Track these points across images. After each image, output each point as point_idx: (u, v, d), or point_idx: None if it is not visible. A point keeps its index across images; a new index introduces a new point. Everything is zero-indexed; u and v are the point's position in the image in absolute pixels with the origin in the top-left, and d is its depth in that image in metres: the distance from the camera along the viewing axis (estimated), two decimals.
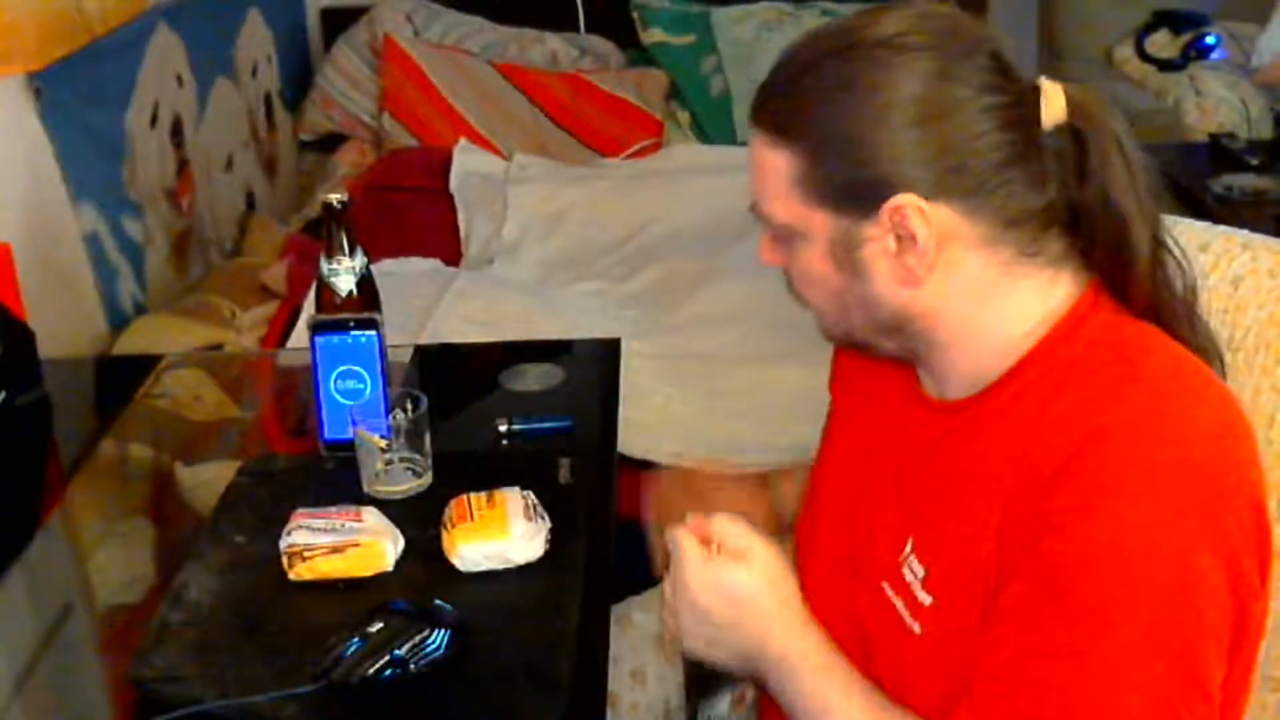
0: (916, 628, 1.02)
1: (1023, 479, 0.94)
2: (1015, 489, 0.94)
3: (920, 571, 1.02)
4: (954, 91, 0.94)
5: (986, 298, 0.99)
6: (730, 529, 1.05)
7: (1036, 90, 0.97)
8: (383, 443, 1.34)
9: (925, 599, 1.01)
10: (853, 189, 0.96)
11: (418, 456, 1.36)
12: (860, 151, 0.95)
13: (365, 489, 1.35)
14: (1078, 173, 0.97)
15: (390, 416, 1.36)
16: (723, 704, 1.40)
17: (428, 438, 1.36)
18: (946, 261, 0.97)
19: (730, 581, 1.03)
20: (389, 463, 1.36)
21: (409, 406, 1.36)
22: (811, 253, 1.01)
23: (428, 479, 1.37)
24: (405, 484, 1.36)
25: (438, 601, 1.15)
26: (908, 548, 1.04)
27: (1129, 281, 0.99)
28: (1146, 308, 1.00)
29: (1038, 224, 0.97)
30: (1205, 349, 1.02)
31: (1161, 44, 3.57)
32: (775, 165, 0.99)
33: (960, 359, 1.02)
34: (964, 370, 1.02)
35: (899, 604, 1.04)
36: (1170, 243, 1.01)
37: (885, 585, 1.05)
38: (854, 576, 1.09)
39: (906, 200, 0.95)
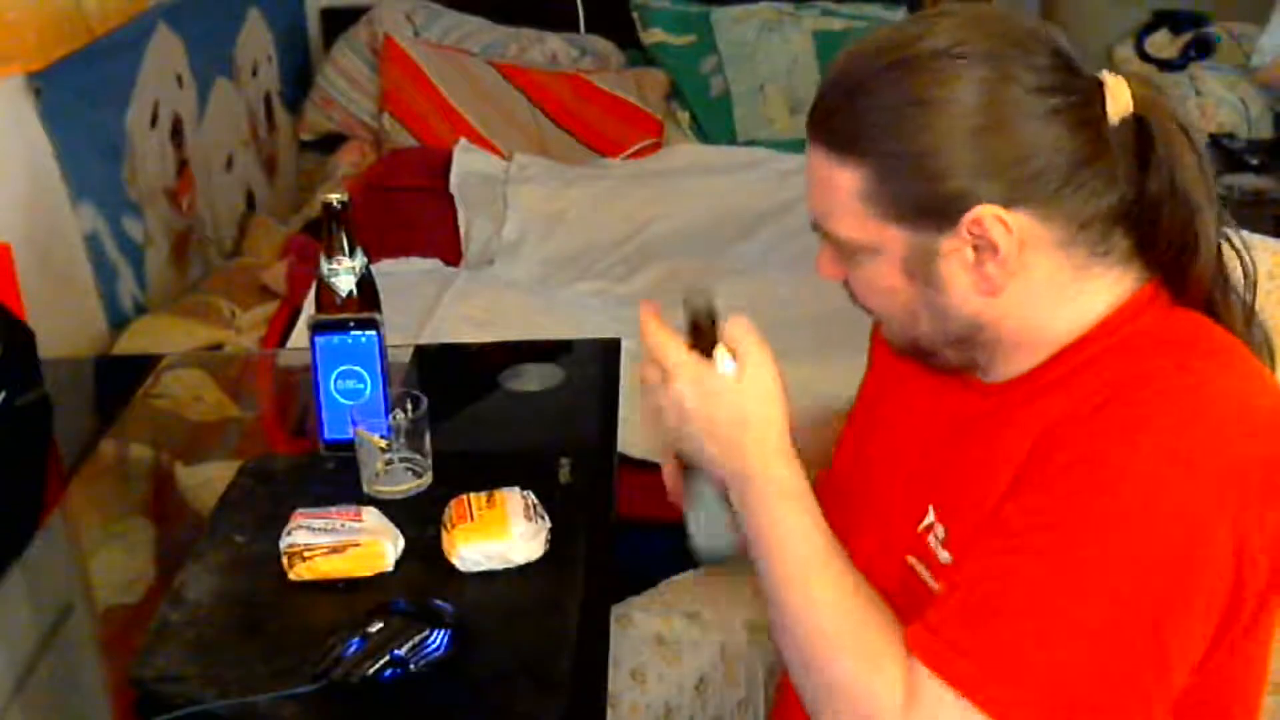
0: (937, 588, 1.01)
1: (1050, 425, 0.94)
2: (1040, 435, 0.94)
3: (941, 533, 1.02)
4: (1018, 96, 0.93)
5: (1058, 299, 0.98)
6: (735, 328, 1.05)
7: (1100, 85, 0.96)
8: (383, 443, 1.34)
9: (945, 557, 1.01)
10: (927, 204, 0.95)
11: (418, 456, 1.36)
12: (931, 166, 0.94)
13: (365, 489, 1.35)
14: (1143, 164, 0.96)
15: (390, 416, 1.36)
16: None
17: (428, 438, 1.36)
18: (1023, 266, 0.96)
19: (710, 384, 1.03)
20: (389, 463, 1.36)
21: (409, 406, 1.36)
22: (882, 266, 0.99)
23: (428, 479, 1.36)
24: (405, 484, 1.36)
25: (438, 601, 1.15)
26: (930, 516, 1.04)
27: (1190, 272, 0.98)
28: (1205, 302, 0.99)
29: (1108, 222, 0.97)
30: (1260, 347, 1.01)
31: (1161, 44, 3.56)
32: (841, 183, 0.97)
33: (1019, 358, 1.02)
34: (1016, 364, 1.02)
35: (922, 570, 1.04)
36: (1235, 238, 1.01)
37: (910, 558, 1.05)
38: (882, 549, 1.09)
39: (985, 211, 0.93)
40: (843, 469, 1.21)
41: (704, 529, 1.09)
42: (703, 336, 1.05)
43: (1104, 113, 0.95)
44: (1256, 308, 1.04)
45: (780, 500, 1.00)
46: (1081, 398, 0.94)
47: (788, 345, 1.08)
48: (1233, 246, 1.01)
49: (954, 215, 0.94)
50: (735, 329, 1.04)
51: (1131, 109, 0.96)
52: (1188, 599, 0.90)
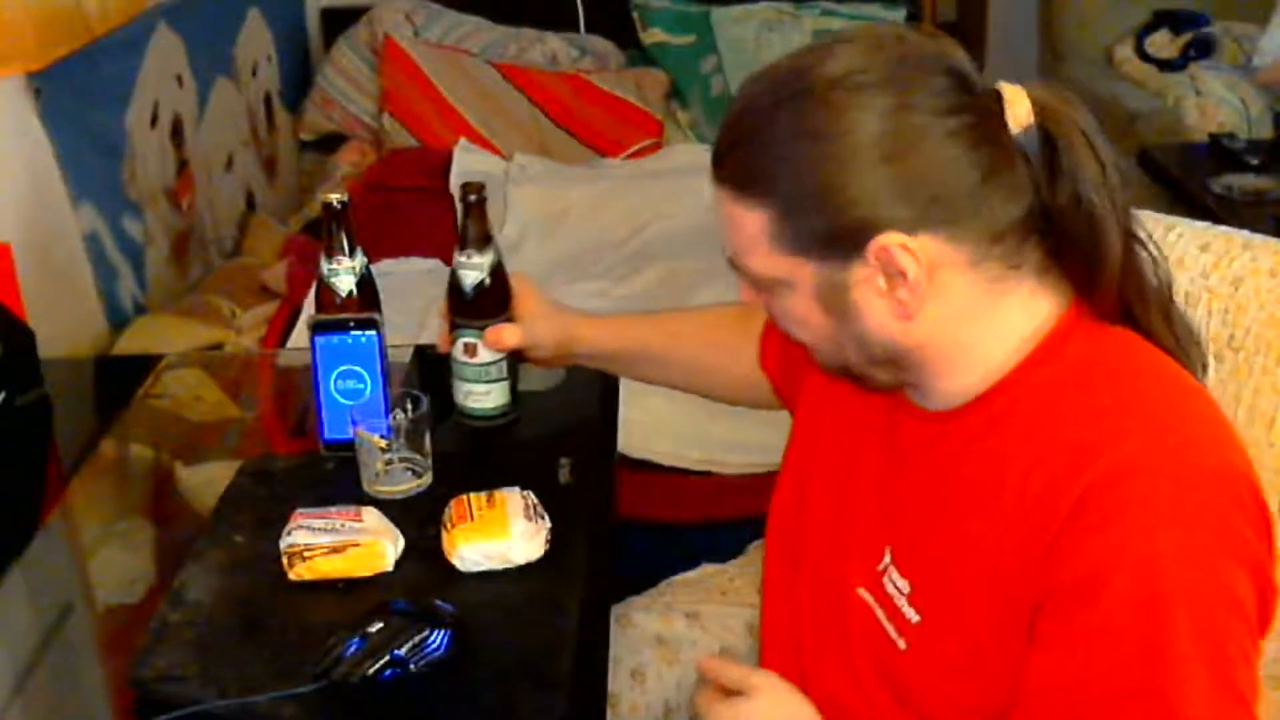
0: (902, 643, 1.01)
1: (1026, 511, 0.93)
2: (1018, 520, 0.93)
3: (905, 586, 1.01)
4: (916, 122, 0.92)
5: (977, 317, 0.98)
6: (728, 671, 1.10)
7: (999, 97, 0.95)
8: (383, 443, 1.34)
9: (912, 615, 1.00)
10: (833, 236, 0.94)
11: (418, 456, 1.36)
12: (834, 198, 0.93)
13: (365, 489, 1.35)
14: (1049, 174, 0.95)
15: (390, 416, 1.36)
16: None
17: (428, 438, 1.36)
18: (936, 288, 0.95)
19: (747, 712, 1.07)
20: (389, 463, 1.36)
21: (409, 406, 1.35)
22: (798, 299, 0.99)
23: (428, 479, 1.36)
24: (405, 484, 1.36)
25: (438, 601, 1.15)
26: (886, 558, 1.04)
27: (1100, 279, 0.97)
28: (1121, 307, 0.99)
29: (1019, 235, 0.96)
30: (1184, 343, 1.02)
31: (1161, 44, 3.57)
32: (747, 223, 0.97)
33: (950, 377, 1.01)
34: (950, 388, 1.01)
35: (880, 614, 1.04)
36: (1144, 237, 1.00)
37: (862, 591, 1.05)
38: (837, 579, 1.09)
39: (890, 240, 0.93)
40: (784, 504, 1.20)
41: None
42: None
43: (1004, 125, 0.94)
44: (1231, 308, 1.06)
45: None
46: (1034, 464, 0.93)
47: None
48: (1144, 248, 1.00)
49: (860, 245, 0.94)
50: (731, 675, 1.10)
51: (1032, 119, 0.95)
52: (1240, 655, 0.91)
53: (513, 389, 1.47)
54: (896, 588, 1.02)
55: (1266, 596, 0.93)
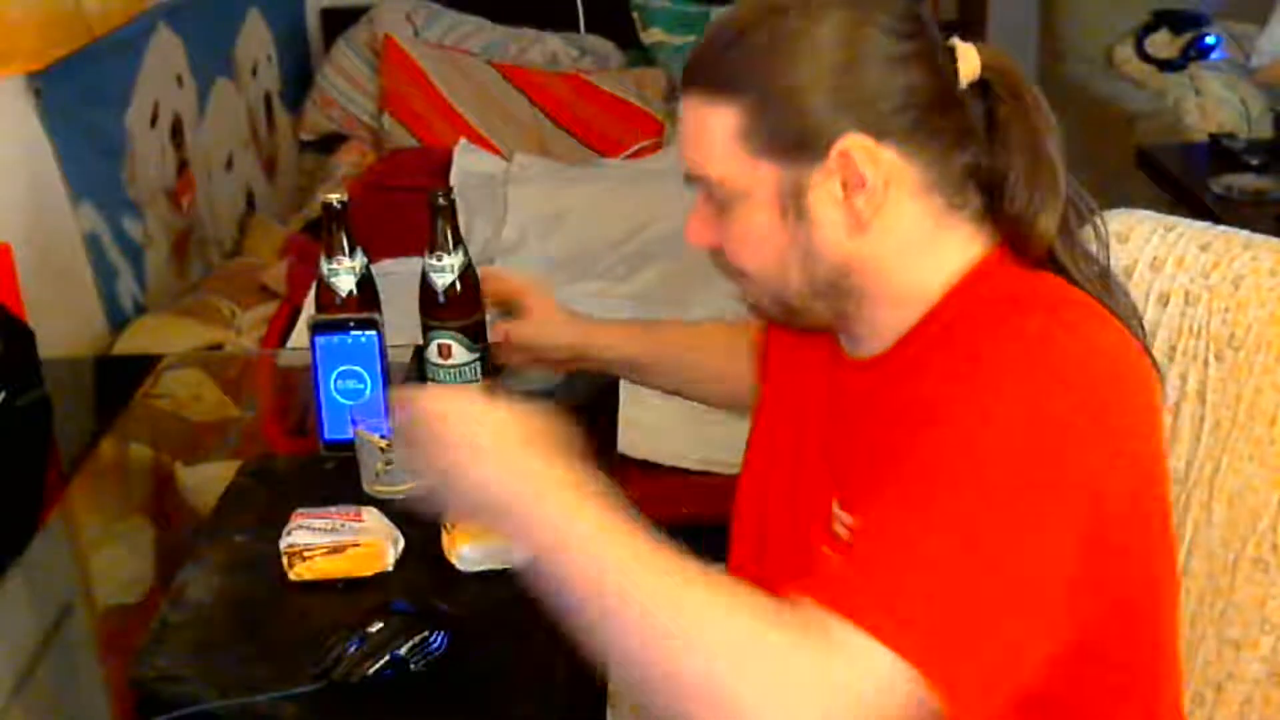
0: None
1: (921, 405, 0.95)
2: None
3: (849, 520, 1.02)
4: (877, 38, 0.98)
5: (918, 250, 1.01)
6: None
7: (952, 49, 1.00)
8: (383, 443, 1.34)
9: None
10: (799, 136, 0.98)
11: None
12: (802, 100, 0.97)
13: (365, 489, 1.35)
14: (992, 129, 1.00)
15: (390, 416, 1.36)
16: None
17: None
18: (890, 205, 0.99)
19: (474, 405, 0.99)
20: (389, 463, 1.35)
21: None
22: (754, 210, 1.01)
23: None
24: (405, 484, 1.35)
25: (437, 601, 1.15)
26: (835, 506, 1.04)
27: (1031, 237, 1.00)
28: (1051, 266, 1.01)
29: (963, 175, 1.00)
30: (1117, 305, 1.02)
31: (1161, 44, 3.57)
32: (717, 122, 1.00)
33: (881, 314, 1.03)
34: (881, 328, 1.04)
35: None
36: (1083, 205, 1.03)
37: (825, 549, 1.05)
38: (802, 543, 1.09)
39: (853, 142, 0.97)
40: (755, 468, 1.22)
41: None
42: None
43: (955, 73, 1.00)
44: (1231, 307, 1.07)
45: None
46: (934, 367, 0.96)
47: None
48: (1081, 209, 1.03)
49: (823, 147, 0.97)
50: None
51: (979, 73, 1.00)
52: (1054, 514, 0.89)
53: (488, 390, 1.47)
54: (844, 525, 1.03)
55: (1106, 522, 0.91)
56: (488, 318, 1.47)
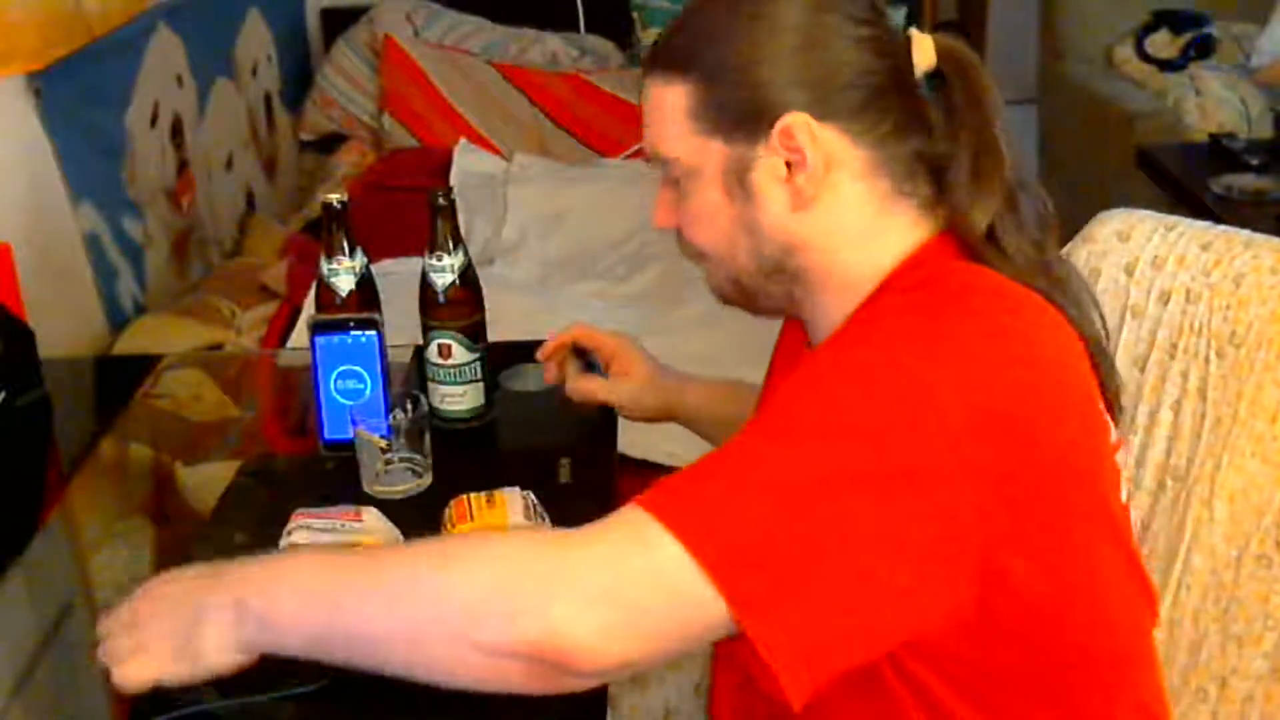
0: None
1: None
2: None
3: None
4: (832, 20, 1.00)
5: (861, 233, 1.02)
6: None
7: (908, 38, 1.02)
8: (383, 443, 1.34)
9: None
10: (744, 113, 1.00)
11: (418, 456, 1.36)
12: (749, 75, 1.00)
13: (365, 489, 1.35)
14: (947, 119, 1.01)
15: (390, 416, 1.36)
16: None
17: (428, 438, 1.36)
18: (831, 186, 1.00)
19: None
20: (389, 463, 1.35)
21: (409, 406, 1.35)
22: (705, 188, 1.04)
23: (428, 479, 1.36)
24: (405, 484, 1.35)
25: None
26: None
27: (969, 222, 1.00)
28: (990, 251, 1.00)
29: (911, 161, 1.01)
30: (1063, 294, 1.02)
31: (1161, 44, 3.57)
32: (670, 101, 1.04)
33: (828, 300, 1.04)
34: (829, 315, 1.04)
35: None
36: (1031, 189, 1.04)
37: None
38: None
39: (794, 119, 0.99)
40: None
41: None
42: None
43: (909, 62, 1.01)
44: (1232, 305, 1.08)
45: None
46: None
47: None
48: (1029, 200, 1.03)
49: (767, 124, 1.00)
50: None
51: (934, 63, 1.02)
52: (911, 484, 0.87)
53: (487, 390, 1.47)
54: None
55: (990, 504, 0.88)
56: (571, 368, 1.48)
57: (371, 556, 0.94)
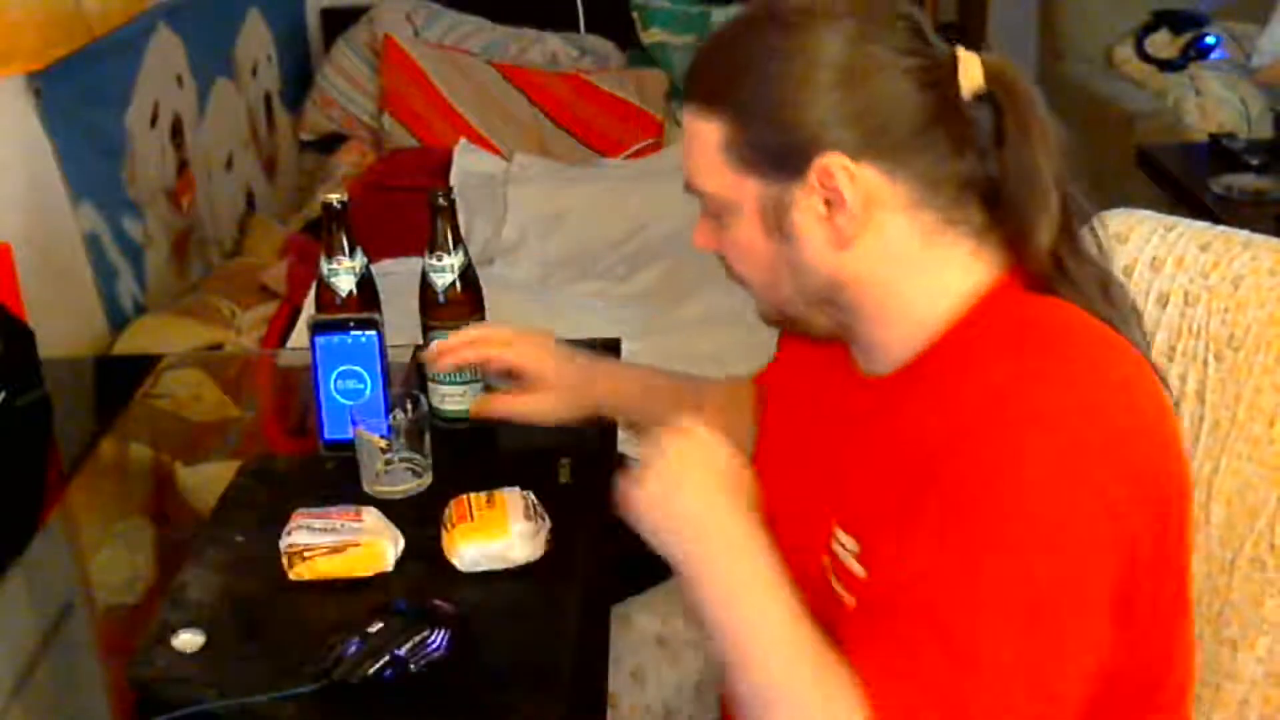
0: (850, 600, 1.01)
1: (930, 440, 0.94)
2: (924, 451, 0.95)
3: (852, 545, 1.02)
4: (873, 53, 0.96)
5: (912, 266, 1.00)
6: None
7: (954, 59, 0.99)
8: (383, 443, 1.34)
9: (859, 571, 1.01)
10: (780, 152, 0.98)
11: (418, 456, 1.36)
12: (785, 114, 0.97)
13: (365, 489, 1.35)
14: (996, 141, 0.98)
15: (390, 416, 1.36)
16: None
17: (428, 438, 1.36)
18: (872, 224, 0.98)
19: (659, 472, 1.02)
20: (389, 463, 1.36)
21: (409, 406, 1.35)
22: (743, 223, 1.02)
23: (428, 479, 1.36)
24: (405, 484, 1.36)
25: (438, 601, 1.15)
26: (834, 520, 1.04)
27: (1032, 248, 0.99)
28: (1057, 279, 1.00)
29: (959, 189, 0.99)
30: (1123, 314, 1.02)
31: (1161, 44, 3.56)
32: (705, 135, 1.01)
33: (885, 333, 1.03)
34: (889, 346, 1.03)
35: (832, 576, 1.04)
36: (1091, 215, 1.02)
37: (824, 559, 1.06)
38: (794, 548, 1.09)
39: (832, 160, 0.96)
40: (760, 469, 1.21)
41: None
42: None
43: (956, 84, 0.98)
44: (1231, 307, 1.08)
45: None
46: (951, 412, 0.94)
47: None
48: (1084, 224, 1.02)
49: (804, 164, 0.97)
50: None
51: (983, 84, 0.98)
52: (1086, 595, 0.91)
53: (486, 390, 1.47)
54: (844, 547, 1.02)
55: (1136, 571, 0.92)
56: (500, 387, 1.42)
57: (789, 654, 0.94)
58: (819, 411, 1.13)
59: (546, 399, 1.36)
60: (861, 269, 1.00)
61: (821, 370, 1.12)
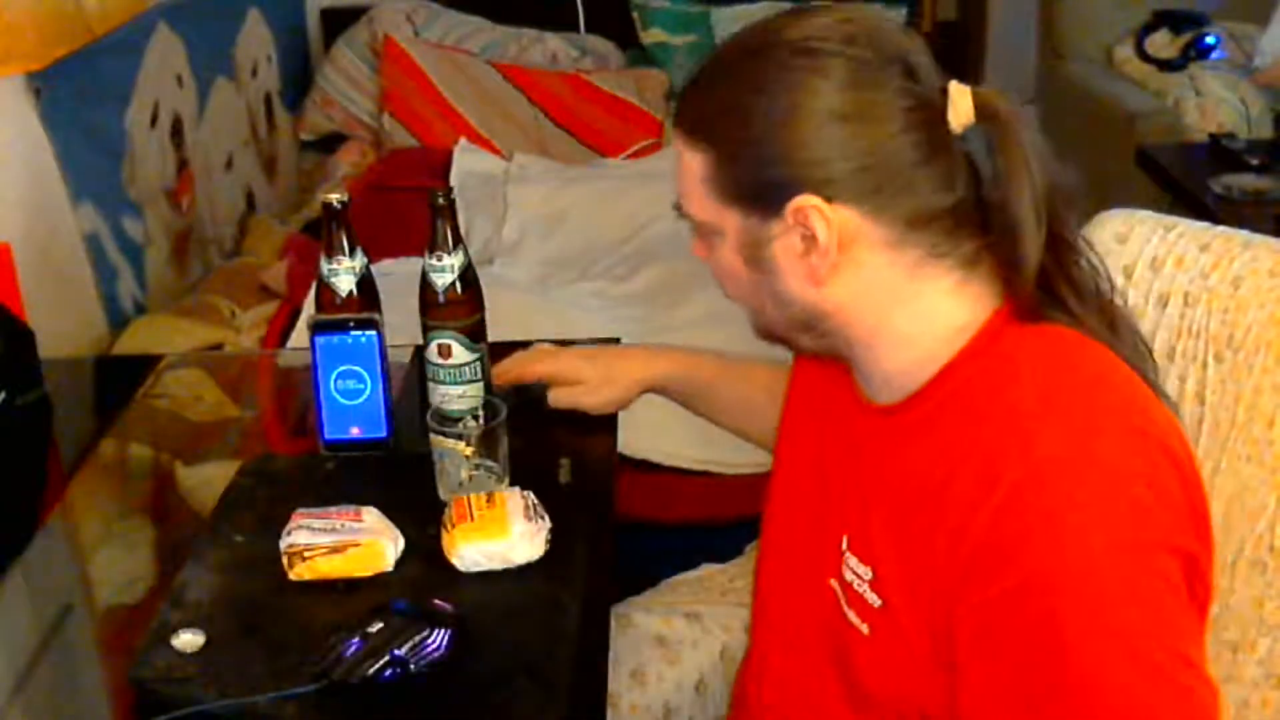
0: (864, 629, 1.01)
1: (952, 512, 0.93)
2: (947, 520, 0.93)
3: (865, 573, 1.01)
4: (860, 96, 0.95)
5: (895, 298, 0.99)
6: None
7: (944, 92, 0.97)
8: (468, 450, 1.32)
9: (874, 600, 1.00)
10: (759, 189, 0.98)
11: (493, 464, 1.33)
12: (766, 152, 0.97)
13: (443, 497, 1.32)
14: (984, 172, 0.98)
15: (461, 425, 1.35)
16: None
17: (504, 444, 1.34)
18: (850, 262, 0.98)
19: None
20: (476, 468, 1.32)
21: (485, 414, 1.34)
22: (726, 251, 1.03)
23: (505, 485, 1.34)
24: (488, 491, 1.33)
25: (438, 601, 1.15)
26: (844, 544, 1.05)
27: (1018, 280, 0.98)
28: (1051, 306, 0.99)
29: (948, 224, 0.98)
30: (1124, 339, 1.02)
31: (1161, 44, 3.56)
32: (690, 164, 1.02)
33: (881, 360, 1.03)
34: (888, 373, 1.03)
35: (843, 601, 1.04)
36: (1083, 246, 1.01)
37: (832, 581, 1.06)
38: (804, 570, 1.10)
39: (807, 201, 0.96)
40: (773, 489, 1.22)
41: None
42: None
43: (945, 118, 0.97)
44: (1231, 308, 1.07)
45: None
46: (969, 457, 0.93)
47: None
48: (1083, 256, 1.01)
49: (780, 203, 0.97)
50: None
51: (972, 118, 0.97)
52: (1184, 635, 0.91)
53: (487, 389, 1.47)
54: (857, 574, 1.02)
55: (1195, 581, 0.93)
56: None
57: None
58: (826, 430, 1.13)
59: (600, 391, 1.47)
60: (844, 300, 1.00)
61: (831, 387, 1.12)
